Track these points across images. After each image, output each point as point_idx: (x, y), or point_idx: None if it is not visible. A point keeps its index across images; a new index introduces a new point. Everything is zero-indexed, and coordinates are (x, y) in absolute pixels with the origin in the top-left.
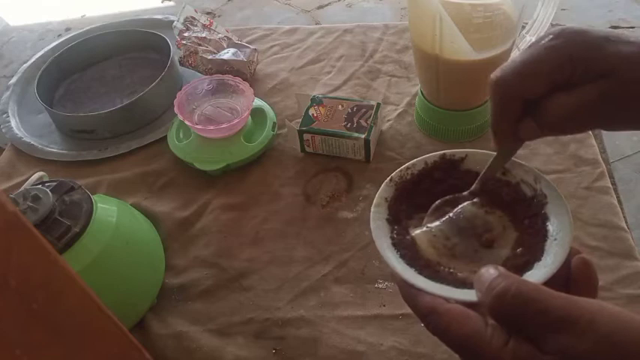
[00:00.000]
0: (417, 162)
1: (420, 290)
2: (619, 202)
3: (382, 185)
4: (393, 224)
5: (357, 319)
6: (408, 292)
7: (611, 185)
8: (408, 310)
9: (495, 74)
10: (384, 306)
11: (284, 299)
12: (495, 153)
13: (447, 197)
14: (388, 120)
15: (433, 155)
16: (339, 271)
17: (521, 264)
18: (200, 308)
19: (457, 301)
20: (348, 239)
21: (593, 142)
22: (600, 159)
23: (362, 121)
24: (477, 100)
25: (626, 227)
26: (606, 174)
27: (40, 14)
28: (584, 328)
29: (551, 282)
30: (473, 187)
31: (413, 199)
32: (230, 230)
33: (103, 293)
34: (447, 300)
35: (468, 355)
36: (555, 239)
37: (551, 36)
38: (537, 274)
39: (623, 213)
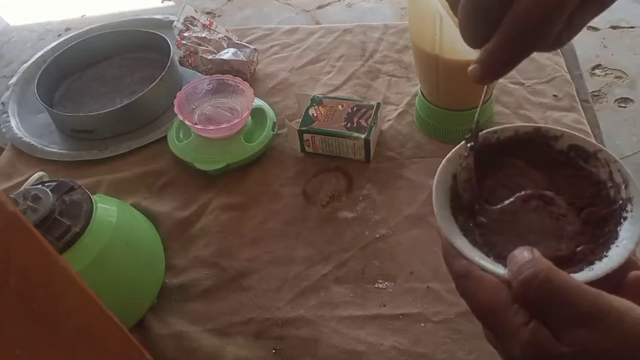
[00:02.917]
0: (506, 128)
1: (459, 252)
2: None
3: (462, 142)
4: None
5: (357, 319)
6: (448, 251)
7: None
8: (408, 310)
9: (515, 17)
10: (384, 306)
11: (284, 299)
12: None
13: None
14: (388, 120)
15: (527, 125)
16: (339, 271)
17: (574, 261)
18: (200, 308)
19: (491, 273)
20: (348, 239)
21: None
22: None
23: (362, 121)
24: (477, 100)
25: None
26: None
27: (40, 14)
28: (610, 325)
29: (595, 286)
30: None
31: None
32: (230, 230)
33: (103, 293)
34: (484, 269)
35: (488, 323)
36: (617, 246)
37: None
38: (583, 274)
39: None
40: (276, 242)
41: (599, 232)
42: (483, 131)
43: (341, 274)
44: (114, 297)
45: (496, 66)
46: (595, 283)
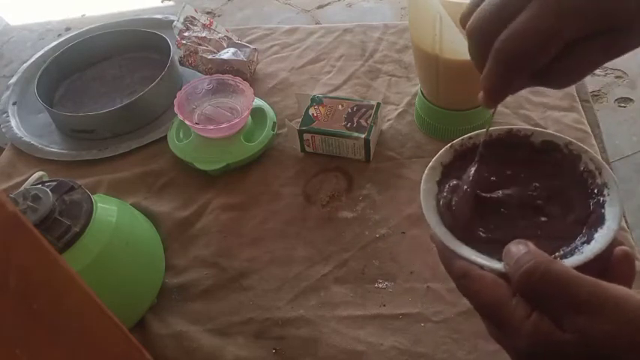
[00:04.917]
0: (481, 132)
1: (455, 254)
2: None
3: (441, 150)
4: (442, 188)
5: (357, 319)
6: (445, 254)
7: None
8: (408, 309)
9: (500, 43)
10: (384, 306)
11: (284, 299)
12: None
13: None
14: (388, 120)
15: (499, 128)
16: (339, 271)
17: (568, 248)
18: (200, 308)
19: (488, 269)
20: (348, 239)
21: (593, 141)
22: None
23: (362, 121)
24: (477, 100)
25: (626, 227)
26: None
27: (40, 14)
28: (609, 311)
29: (586, 269)
30: (477, 155)
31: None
32: (230, 230)
33: (103, 293)
34: (481, 266)
35: (491, 319)
36: (602, 228)
37: None
38: (573, 259)
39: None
40: (276, 242)
41: (584, 218)
42: (458, 138)
43: (341, 274)
44: (114, 297)
45: (491, 91)
46: (587, 264)
